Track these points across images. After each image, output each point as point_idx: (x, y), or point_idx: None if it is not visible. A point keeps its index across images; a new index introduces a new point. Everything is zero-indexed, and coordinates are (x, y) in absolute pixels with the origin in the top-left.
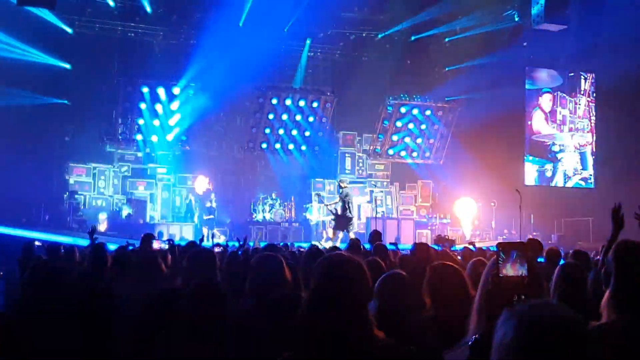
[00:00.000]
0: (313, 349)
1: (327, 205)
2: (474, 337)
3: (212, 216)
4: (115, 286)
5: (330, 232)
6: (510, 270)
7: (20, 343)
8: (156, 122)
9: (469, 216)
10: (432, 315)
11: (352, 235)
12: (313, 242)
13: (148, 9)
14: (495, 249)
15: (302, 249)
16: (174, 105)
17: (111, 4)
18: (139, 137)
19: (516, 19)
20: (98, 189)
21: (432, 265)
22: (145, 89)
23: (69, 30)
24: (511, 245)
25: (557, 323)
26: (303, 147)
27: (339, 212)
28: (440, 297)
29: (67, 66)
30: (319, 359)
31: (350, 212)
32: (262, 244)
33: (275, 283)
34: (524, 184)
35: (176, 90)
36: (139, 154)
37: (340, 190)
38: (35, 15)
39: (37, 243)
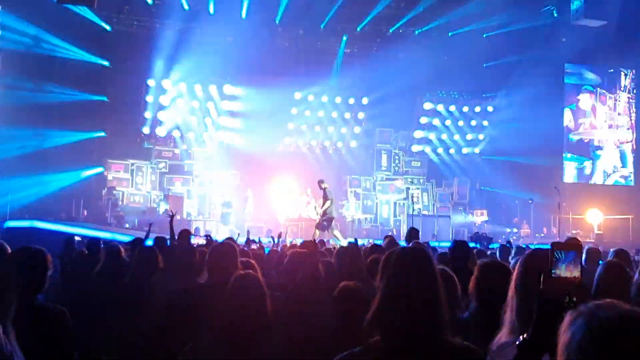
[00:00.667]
0: (386, 343)
1: (321, 208)
2: (521, 337)
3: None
4: (154, 280)
5: (317, 233)
6: (565, 271)
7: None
8: (193, 119)
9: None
10: (476, 313)
11: (338, 236)
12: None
13: (185, 6)
14: (541, 247)
15: (336, 246)
16: (211, 103)
17: (149, 1)
18: (176, 133)
19: (555, 15)
20: (136, 185)
21: (482, 263)
22: (182, 85)
23: (108, 27)
24: (566, 245)
25: (627, 322)
26: (339, 144)
27: (331, 211)
28: (487, 296)
29: (106, 63)
30: (389, 353)
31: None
32: (299, 241)
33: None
34: (563, 181)
35: (212, 88)
36: (176, 151)
37: (325, 190)
38: (74, 14)
39: (77, 238)
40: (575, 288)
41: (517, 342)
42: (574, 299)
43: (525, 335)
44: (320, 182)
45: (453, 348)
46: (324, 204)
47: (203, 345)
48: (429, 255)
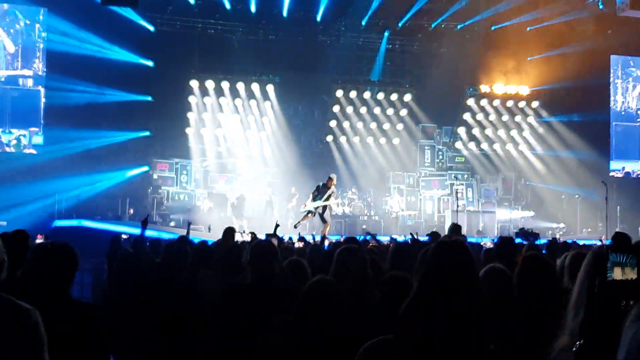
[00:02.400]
0: (419, 333)
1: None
2: (578, 342)
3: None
4: (198, 278)
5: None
6: (621, 273)
7: (107, 332)
8: (236, 117)
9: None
10: (522, 309)
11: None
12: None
13: (227, 6)
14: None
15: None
16: (253, 102)
17: (191, 1)
18: (219, 131)
19: (600, 7)
20: (180, 184)
21: (524, 256)
22: (225, 84)
23: (151, 28)
24: (623, 247)
25: None
26: (382, 140)
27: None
28: (530, 290)
29: (150, 63)
30: (420, 344)
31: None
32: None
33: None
34: (610, 176)
35: (255, 86)
36: (220, 149)
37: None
38: (118, 15)
39: (123, 236)
40: (633, 290)
41: (574, 348)
42: (631, 303)
43: (582, 341)
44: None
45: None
46: (328, 198)
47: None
48: (466, 248)
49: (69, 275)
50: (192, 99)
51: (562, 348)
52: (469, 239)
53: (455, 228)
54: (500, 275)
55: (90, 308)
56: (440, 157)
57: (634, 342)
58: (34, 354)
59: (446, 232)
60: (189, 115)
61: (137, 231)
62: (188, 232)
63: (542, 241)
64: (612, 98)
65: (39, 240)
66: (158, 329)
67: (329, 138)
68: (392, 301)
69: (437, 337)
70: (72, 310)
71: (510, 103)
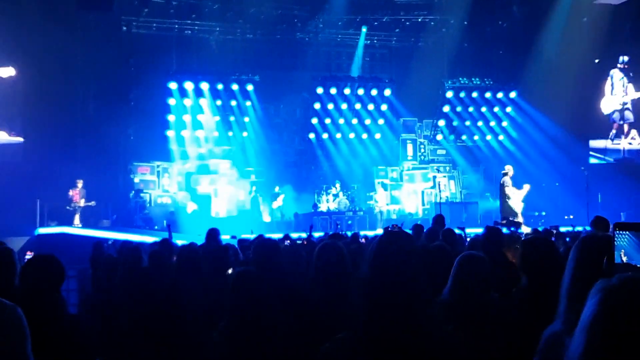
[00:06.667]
0: (369, 330)
1: None
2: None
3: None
4: (183, 281)
5: None
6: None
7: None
8: (216, 118)
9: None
10: (527, 291)
11: None
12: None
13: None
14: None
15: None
16: (234, 101)
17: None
18: (200, 133)
19: None
20: (162, 187)
21: (526, 239)
22: (204, 85)
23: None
24: (633, 225)
25: None
26: (364, 136)
27: None
28: (535, 270)
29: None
30: (374, 341)
31: None
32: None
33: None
34: (590, 163)
35: (235, 86)
36: (202, 150)
37: None
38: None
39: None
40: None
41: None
42: None
43: None
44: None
45: (442, 334)
46: None
47: None
48: (410, 238)
49: (55, 288)
50: (171, 101)
51: (553, 335)
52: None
53: (439, 219)
54: (477, 262)
55: (76, 321)
56: (422, 150)
57: (584, 323)
58: (18, 349)
59: (430, 225)
60: (169, 117)
61: (120, 236)
62: (170, 234)
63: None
64: (592, 85)
65: (29, 256)
66: (143, 334)
67: (311, 135)
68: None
69: (378, 328)
70: (59, 323)
71: (488, 94)
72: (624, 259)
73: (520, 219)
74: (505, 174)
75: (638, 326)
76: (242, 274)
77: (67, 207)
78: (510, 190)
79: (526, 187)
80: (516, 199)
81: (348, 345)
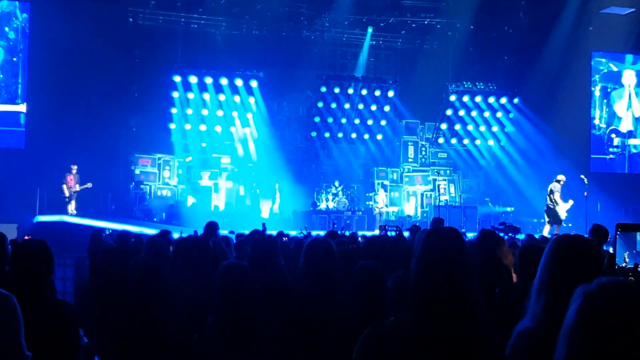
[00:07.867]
0: (416, 317)
1: None
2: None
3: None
4: (177, 273)
5: None
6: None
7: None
8: (219, 113)
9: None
10: (518, 292)
11: None
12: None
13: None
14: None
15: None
16: (237, 97)
17: None
18: (202, 127)
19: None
20: (163, 179)
21: (523, 245)
22: (208, 80)
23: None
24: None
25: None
26: (366, 136)
27: None
28: (529, 273)
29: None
30: (419, 327)
31: None
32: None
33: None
34: (590, 171)
35: (238, 82)
36: (203, 144)
37: None
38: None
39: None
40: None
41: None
42: None
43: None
44: None
45: (480, 336)
46: None
47: None
48: (458, 234)
49: (44, 273)
50: (175, 94)
51: (521, 332)
52: None
53: (437, 222)
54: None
55: (65, 305)
56: (423, 152)
57: (568, 317)
58: (12, 336)
59: (428, 227)
60: (172, 110)
61: (119, 227)
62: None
63: (522, 236)
64: (592, 92)
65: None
66: (139, 325)
67: (313, 134)
68: (362, 289)
69: (427, 322)
70: (48, 307)
71: (492, 99)
72: (627, 260)
73: (558, 228)
74: (558, 182)
75: (616, 331)
76: (229, 267)
77: (64, 196)
78: (559, 197)
79: (570, 202)
80: (563, 207)
81: (400, 331)
